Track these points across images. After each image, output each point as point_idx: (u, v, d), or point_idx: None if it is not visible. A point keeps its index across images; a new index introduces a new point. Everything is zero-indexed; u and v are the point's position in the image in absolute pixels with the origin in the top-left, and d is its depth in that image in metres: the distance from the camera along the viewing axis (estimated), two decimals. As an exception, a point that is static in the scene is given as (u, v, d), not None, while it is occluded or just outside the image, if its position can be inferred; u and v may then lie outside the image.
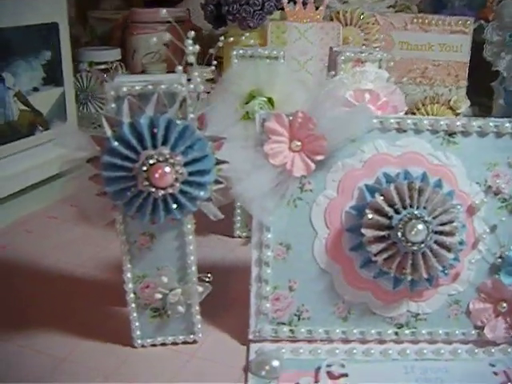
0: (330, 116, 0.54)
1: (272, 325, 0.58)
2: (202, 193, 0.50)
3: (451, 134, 0.57)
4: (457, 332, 0.58)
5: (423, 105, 1.12)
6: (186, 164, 0.48)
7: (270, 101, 0.72)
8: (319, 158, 0.55)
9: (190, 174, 0.48)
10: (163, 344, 0.57)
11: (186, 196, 0.49)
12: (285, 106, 0.70)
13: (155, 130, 0.47)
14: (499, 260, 0.57)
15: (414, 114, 1.12)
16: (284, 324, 0.58)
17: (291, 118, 0.54)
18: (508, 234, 0.58)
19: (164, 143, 0.47)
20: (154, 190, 0.47)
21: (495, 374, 0.54)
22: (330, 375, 0.53)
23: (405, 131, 0.56)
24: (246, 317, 0.57)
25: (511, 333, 0.57)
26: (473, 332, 0.58)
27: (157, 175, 0.47)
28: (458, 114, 1.11)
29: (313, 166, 0.55)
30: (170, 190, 0.48)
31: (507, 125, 0.56)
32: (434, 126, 0.56)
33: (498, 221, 0.57)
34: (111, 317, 0.60)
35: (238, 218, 0.80)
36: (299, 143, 0.55)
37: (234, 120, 0.53)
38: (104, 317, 0.61)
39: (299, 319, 0.58)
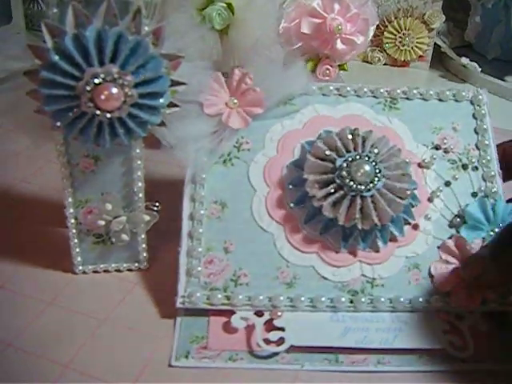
0: (266, 73, 0.53)
1: (204, 290, 0.51)
2: (153, 117, 0.45)
3: (392, 100, 0.57)
4: (420, 300, 0.52)
5: (396, 17, 1.07)
6: (136, 85, 0.43)
7: (229, 6, 0.65)
8: (257, 111, 0.53)
9: (141, 96, 0.43)
10: (106, 271, 0.54)
11: (135, 120, 0.44)
12: (245, 12, 0.64)
13: (103, 45, 0.41)
14: (457, 219, 0.54)
15: (385, 26, 1.06)
16: (218, 290, 0.51)
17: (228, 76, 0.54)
18: (463, 191, 0.55)
19: (112, 60, 0.42)
20: (98, 112, 0.42)
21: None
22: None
23: (345, 97, 0.57)
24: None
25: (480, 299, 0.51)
26: (438, 299, 0.51)
27: (103, 97, 0.42)
28: (431, 30, 1.06)
29: (250, 119, 0.53)
30: (117, 114, 0.43)
31: (448, 93, 0.57)
32: (375, 92, 0.57)
33: (451, 177, 0.55)
34: (52, 239, 0.56)
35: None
36: (236, 101, 0.53)
37: (193, 35, 0.48)
38: (44, 239, 0.57)
39: (236, 285, 0.51)
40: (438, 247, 0.53)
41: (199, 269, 0.51)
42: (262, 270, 0.51)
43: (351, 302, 0.51)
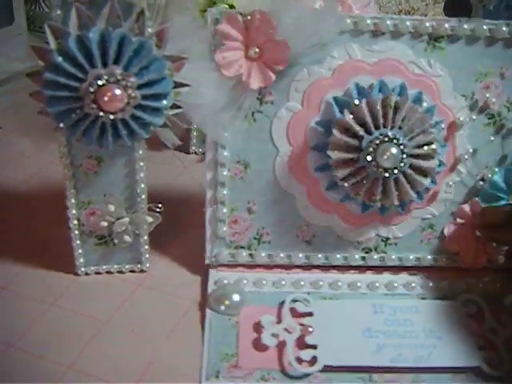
0: (294, 16, 0.47)
1: (230, 249, 0.54)
2: (156, 119, 0.45)
3: (437, 39, 0.50)
4: (428, 257, 0.55)
5: (397, 20, 1.07)
6: (139, 87, 0.43)
7: (231, 8, 0.64)
8: (280, 67, 0.48)
9: (144, 97, 0.43)
10: (109, 272, 0.54)
11: (138, 122, 0.44)
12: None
13: (106, 46, 0.41)
14: (480, 183, 0.54)
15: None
16: (243, 248, 0.54)
17: (248, 18, 0.47)
18: (492, 154, 0.54)
19: (116, 62, 0.42)
20: (102, 114, 0.42)
21: (469, 316, 0.51)
22: (294, 313, 0.50)
23: (383, 34, 0.49)
24: (201, 245, 0.54)
25: (486, 260, 0.55)
26: (446, 258, 0.55)
27: (106, 98, 0.41)
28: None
29: (273, 76, 0.49)
30: (121, 115, 0.43)
31: (504, 28, 0.50)
32: (418, 28, 0.49)
33: (483, 140, 0.53)
34: (54, 240, 0.56)
35: (195, 133, 0.75)
36: (257, 50, 0.48)
37: (196, 36, 0.47)
38: (47, 240, 0.57)
39: (259, 243, 0.54)
40: (454, 212, 0.54)
41: (225, 229, 0.53)
42: (283, 229, 0.54)
43: (363, 258, 0.55)
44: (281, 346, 0.47)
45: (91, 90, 0.41)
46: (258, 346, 0.47)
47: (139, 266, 0.54)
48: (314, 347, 0.47)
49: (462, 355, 0.48)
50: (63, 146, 0.47)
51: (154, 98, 0.44)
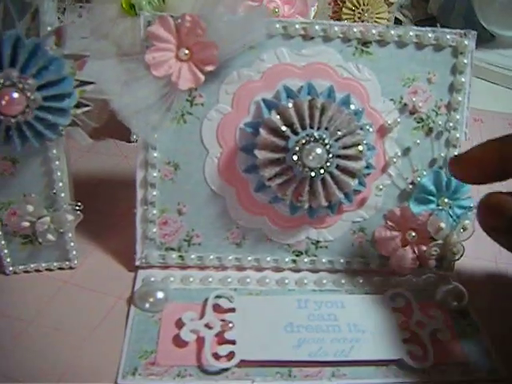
0: (224, 19, 0.47)
1: (160, 250, 0.53)
2: (61, 119, 0.44)
3: (365, 43, 0.51)
4: (360, 260, 0.54)
5: (351, -10, 1.04)
6: (39, 88, 0.42)
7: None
8: (209, 68, 0.49)
9: (46, 98, 0.43)
10: (38, 270, 0.54)
11: (43, 123, 0.44)
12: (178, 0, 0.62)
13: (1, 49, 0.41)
14: (410, 186, 0.53)
15: (343, 2, 1.04)
16: (173, 250, 0.53)
17: (179, 21, 0.47)
18: (422, 158, 0.54)
19: (12, 64, 0.41)
20: (2, 117, 0.42)
21: (396, 310, 0.50)
22: (217, 309, 0.49)
23: (312, 38, 0.51)
24: (132, 241, 0.53)
25: (417, 263, 0.54)
26: (377, 262, 0.55)
27: (3, 102, 0.41)
28: (391, 4, 1.04)
29: (202, 77, 0.49)
30: (22, 118, 0.42)
31: (430, 35, 0.51)
32: (346, 33, 0.51)
33: (413, 143, 0.53)
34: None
35: (135, 122, 0.74)
36: (187, 51, 0.48)
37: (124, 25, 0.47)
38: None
39: (189, 245, 0.53)
40: (385, 215, 0.54)
41: (154, 230, 0.53)
42: (213, 231, 0.53)
43: (294, 261, 0.54)
44: (200, 342, 0.47)
45: (-12, 93, 0.41)
46: (178, 342, 0.47)
47: (67, 263, 0.54)
48: (233, 342, 0.46)
49: (384, 348, 0.47)
50: (-27, 148, 0.47)
51: (56, 99, 0.43)
